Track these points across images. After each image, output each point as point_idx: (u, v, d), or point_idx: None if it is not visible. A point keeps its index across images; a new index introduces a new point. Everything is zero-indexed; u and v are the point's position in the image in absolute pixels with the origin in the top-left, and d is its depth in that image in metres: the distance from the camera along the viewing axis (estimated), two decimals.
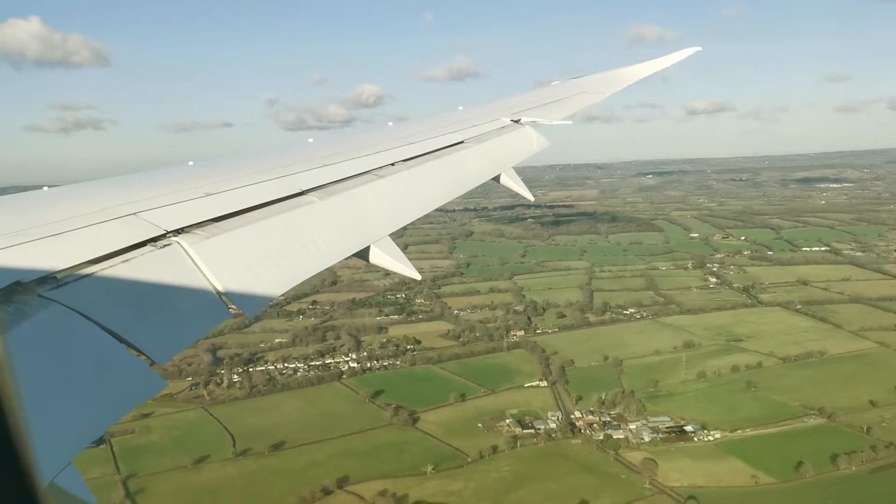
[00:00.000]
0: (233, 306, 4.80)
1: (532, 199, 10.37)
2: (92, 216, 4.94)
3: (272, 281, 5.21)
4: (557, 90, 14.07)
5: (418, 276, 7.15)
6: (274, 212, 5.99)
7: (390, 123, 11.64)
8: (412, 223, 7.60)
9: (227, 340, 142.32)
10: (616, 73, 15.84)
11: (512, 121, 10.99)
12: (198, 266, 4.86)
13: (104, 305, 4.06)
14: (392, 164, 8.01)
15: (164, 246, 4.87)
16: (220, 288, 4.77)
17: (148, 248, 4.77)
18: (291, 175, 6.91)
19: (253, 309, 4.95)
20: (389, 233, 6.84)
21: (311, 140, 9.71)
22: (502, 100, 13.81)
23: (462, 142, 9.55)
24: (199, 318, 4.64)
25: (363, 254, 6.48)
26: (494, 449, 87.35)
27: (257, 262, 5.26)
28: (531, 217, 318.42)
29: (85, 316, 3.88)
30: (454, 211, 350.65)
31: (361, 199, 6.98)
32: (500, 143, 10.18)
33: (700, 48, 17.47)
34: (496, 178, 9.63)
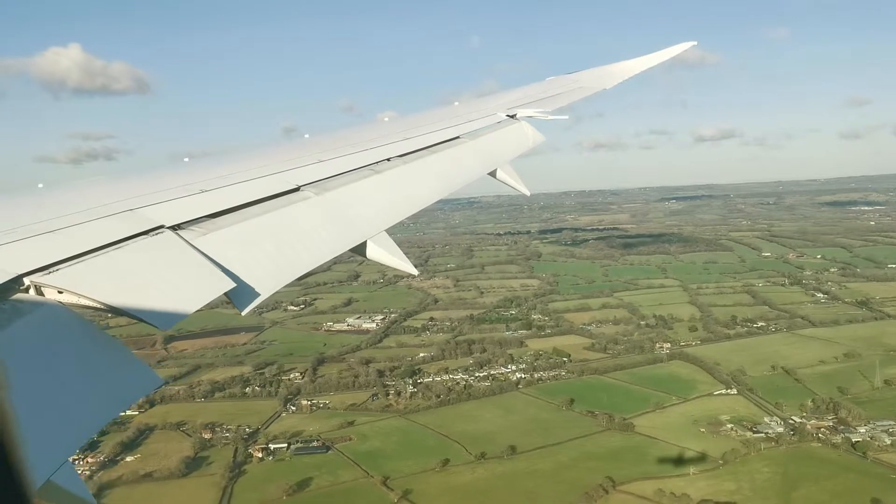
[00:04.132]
0: (230, 277, 4.80)
1: (528, 193, 10.08)
2: (88, 213, 4.90)
3: (269, 277, 5.17)
4: (553, 85, 13.84)
5: (415, 272, 7.25)
6: (270, 208, 5.97)
7: (386, 119, 11.46)
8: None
9: (375, 355, 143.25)
10: (612, 67, 15.62)
11: (508, 116, 10.87)
12: (190, 244, 4.90)
13: (101, 287, 4.05)
14: (388, 160, 7.98)
15: (158, 234, 4.91)
16: (217, 262, 4.81)
17: (142, 237, 4.81)
18: (287, 171, 6.88)
19: (249, 304, 4.84)
20: (386, 228, 6.77)
21: (306, 136, 9.69)
22: (498, 95, 13.74)
23: (458, 137, 9.46)
24: (198, 289, 4.56)
25: (360, 249, 6.46)
26: (740, 452, 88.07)
27: (253, 259, 5.21)
28: (592, 239, 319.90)
29: (82, 305, 3.89)
30: (495, 235, 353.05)
31: (358, 195, 6.93)
32: (496, 139, 10.09)
33: (695, 42, 17.04)
34: (492, 174, 9.54)
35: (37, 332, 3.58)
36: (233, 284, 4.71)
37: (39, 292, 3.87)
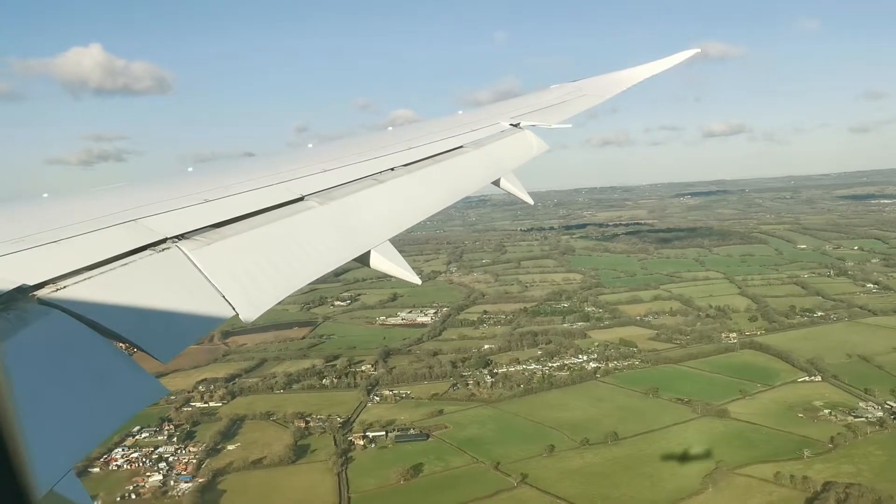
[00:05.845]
0: (233, 308, 4.79)
1: (532, 202, 10.24)
2: (92, 223, 4.89)
3: (273, 286, 5.21)
4: (557, 93, 13.93)
5: (418, 281, 7.26)
6: (274, 217, 5.98)
7: (390, 128, 11.54)
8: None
9: (439, 346, 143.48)
10: (616, 75, 15.75)
11: (511, 125, 10.97)
12: (197, 266, 4.87)
13: (105, 308, 4.04)
14: (392, 169, 8.03)
15: (164, 250, 4.85)
16: (219, 288, 4.81)
17: (147, 252, 4.75)
18: (291, 180, 6.90)
19: (253, 314, 4.87)
20: (389, 237, 6.78)
21: (310, 146, 9.74)
22: (501, 104, 13.91)
23: (462, 146, 9.51)
24: (200, 318, 4.59)
25: (364, 258, 6.49)
26: (847, 436, 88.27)
27: (257, 268, 5.25)
28: (621, 234, 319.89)
29: (85, 322, 3.85)
30: (520, 231, 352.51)
31: (361, 204, 6.96)
32: (500, 148, 10.15)
33: (698, 49, 17.14)
34: (496, 183, 9.60)
35: (40, 341, 3.57)
36: (233, 313, 4.73)
37: (43, 303, 3.86)
